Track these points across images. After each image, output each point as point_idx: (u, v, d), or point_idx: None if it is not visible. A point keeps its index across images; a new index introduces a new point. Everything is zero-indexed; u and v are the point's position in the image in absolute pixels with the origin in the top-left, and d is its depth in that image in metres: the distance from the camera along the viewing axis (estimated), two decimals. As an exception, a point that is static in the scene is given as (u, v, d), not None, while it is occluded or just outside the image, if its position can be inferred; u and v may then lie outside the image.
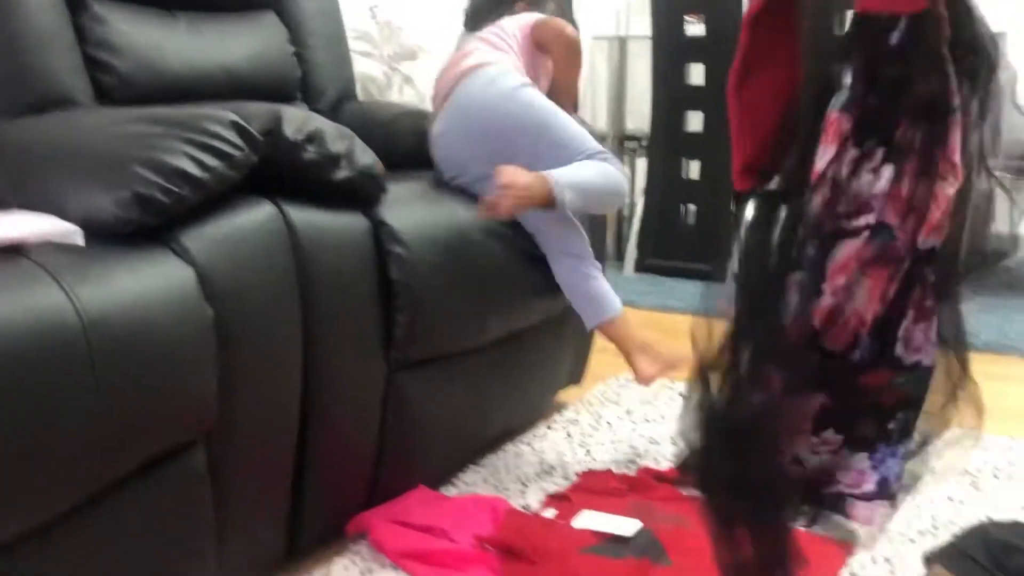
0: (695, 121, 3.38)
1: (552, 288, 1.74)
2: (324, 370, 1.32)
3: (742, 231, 0.87)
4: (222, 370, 1.13)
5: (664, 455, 1.78)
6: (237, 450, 1.20)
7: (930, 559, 1.03)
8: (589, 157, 1.69)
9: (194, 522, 1.16)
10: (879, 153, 0.75)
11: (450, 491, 1.63)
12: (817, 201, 0.77)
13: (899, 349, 0.80)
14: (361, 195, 1.39)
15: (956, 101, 0.77)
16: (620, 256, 3.52)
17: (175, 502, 1.12)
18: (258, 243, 1.21)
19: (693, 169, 3.44)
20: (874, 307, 0.77)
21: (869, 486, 0.88)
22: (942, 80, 0.76)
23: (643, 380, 1.74)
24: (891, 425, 0.84)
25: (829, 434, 0.86)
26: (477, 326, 1.57)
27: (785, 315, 0.78)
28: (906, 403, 0.84)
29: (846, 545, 1.18)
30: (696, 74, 3.35)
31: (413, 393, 1.50)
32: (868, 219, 0.75)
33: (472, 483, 1.66)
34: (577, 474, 1.70)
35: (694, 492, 1.61)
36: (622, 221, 3.61)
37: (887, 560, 1.38)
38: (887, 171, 0.74)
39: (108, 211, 1.10)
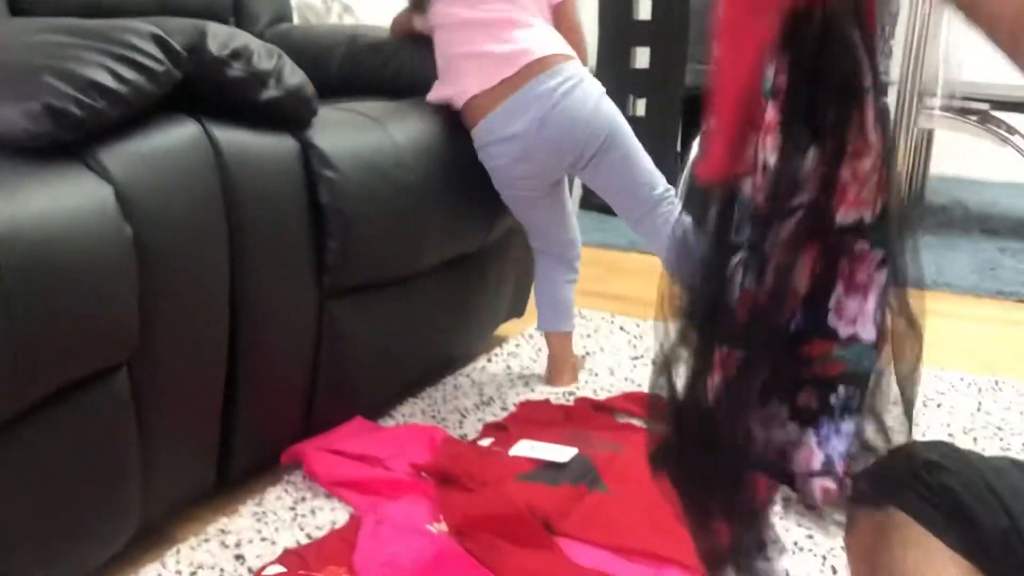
0: (642, 57, 3.35)
1: (490, 216, 1.72)
2: (253, 295, 1.29)
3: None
4: (144, 292, 1.09)
5: (602, 386, 1.79)
6: (162, 376, 1.17)
7: (856, 479, 1.04)
8: (658, 203, 1.70)
9: (118, 449, 1.12)
10: (804, 137, 0.77)
11: (387, 422, 1.62)
12: (751, 186, 0.78)
13: (832, 320, 0.81)
14: (290, 116, 1.35)
15: (867, 82, 0.77)
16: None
17: (97, 428, 1.09)
18: (181, 162, 1.16)
19: (639, 107, 3.42)
20: (806, 281, 0.80)
21: (815, 465, 0.87)
22: (853, 63, 0.76)
23: (554, 384, 1.80)
24: (832, 399, 0.86)
25: (774, 406, 0.85)
26: (412, 252, 1.54)
27: (731, 296, 0.80)
28: (847, 378, 0.85)
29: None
30: (644, 9, 3.31)
31: (347, 321, 1.47)
32: (800, 199, 0.77)
33: (410, 414, 1.65)
34: (515, 405, 1.70)
35: (635, 421, 1.62)
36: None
37: (817, 484, 1.41)
38: (812, 153, 0.77)
39: (17, 124, 1.05)
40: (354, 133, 1.46)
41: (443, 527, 1.27)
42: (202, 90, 1.22)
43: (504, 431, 1.57)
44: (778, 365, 0.83)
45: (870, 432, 0.93)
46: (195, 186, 1.18)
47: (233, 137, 1.25)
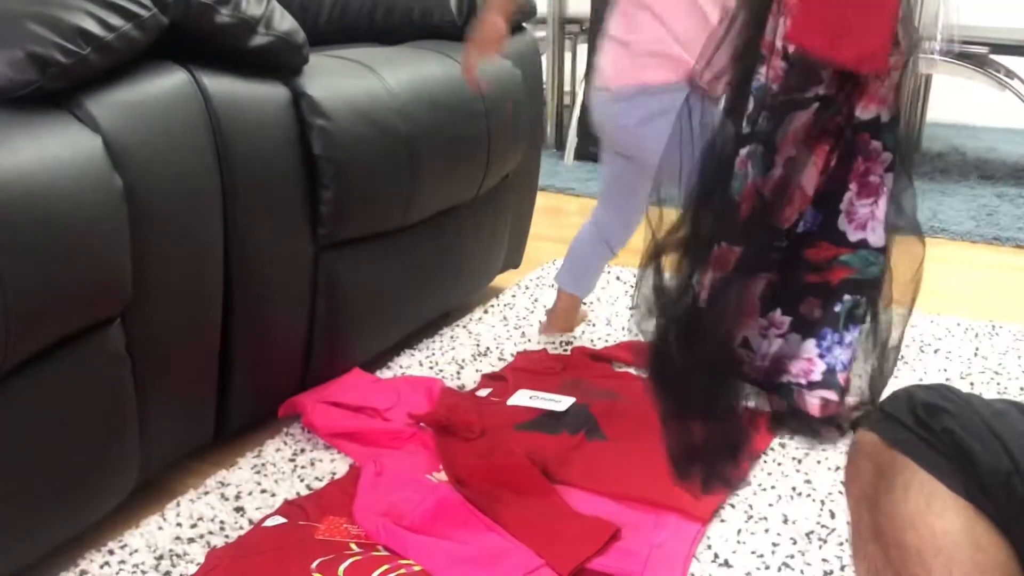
0: None
1: (485, 164, 1.70)
2: (247, 247, 1.27)
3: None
4: (136, 244, 1.08)
5: (599, 336, 1.78)
6: (157, 329, 1.16)
7: (856, 424, 1.03)
8: None
9: (114, 403, 1.12)
10: None
11: (385, 374, 1.61)
12: (768, 73, 0.74)
13: (842, 223, 0.79)
14: (280, 63, 1.32)
15: None
16: (560, 145, 3.47)
17: (92, 382, 1.08)
18: (170, 111, 1.14)
19: None
20: (816, 180, 0.77)
21: (816, 375, 0.88)
22: None
23: (542, 332, 1.80)
24: (837, 307, 0.83)
25: (776, 315, 0.84)
26: (408, 202, 1.52)
27: (736, 191, 0.76)
28: (853, 286, 0.83)
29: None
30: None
31: (343, 273, 1.46)
32: (818, 90, 0.73)
33: (407, 366, 1.65)
34: (513, 355, 1.69)
35: (632, 370, 1.62)
36: (563, 109, 3.55)
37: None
38: None
39: (1, 73, 1.02)
40: (346, 80, 1.44)
41: (442, 477, 1.27)
42: (190, 37, 1.19)
43: (502, 381, 1.57)
44: (781, 268, 0.80)
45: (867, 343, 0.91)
46: (185, 136, 1.16)
47: (222, 85, 1.22)
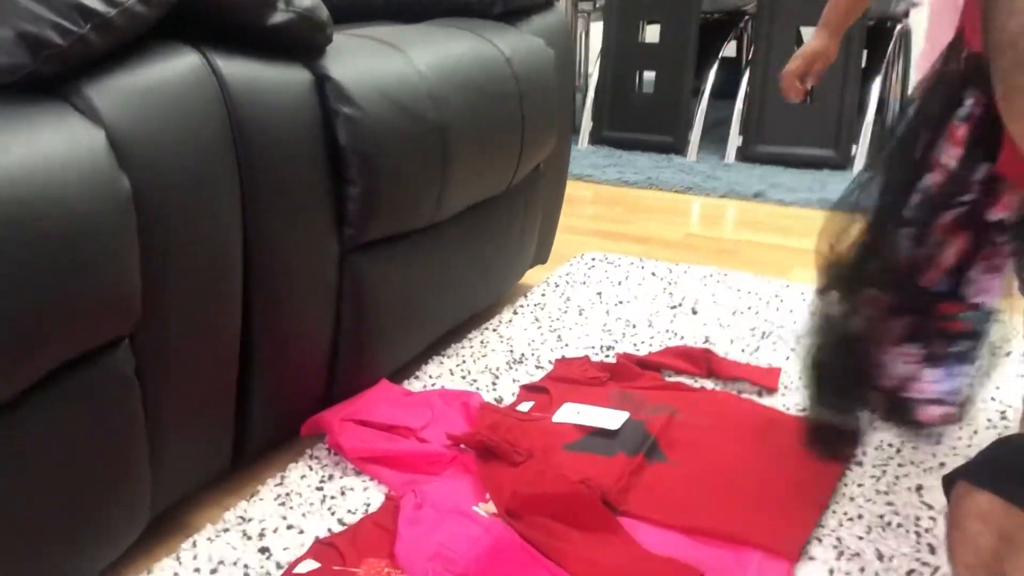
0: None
1: (519, 152, 1.55)
2: (268, 253, 1.13)
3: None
4: (146, 253, 0.93)
5: (642, 340, 1.64)
6: (169, 348, 1.01)
7: (951, 480, 0.95)
8: None
9: (123, 433, 0.97)
10: (982, 155, 0.94)
11: (414, 385, 1.47)
12: (933, 180, 0.97)
13: (966, 289, 0.99)
14: (302, 43, 1.17)
15: None
16: (574, 128, 3.32)
17: (99, 411, 0.94)
18: (182, 99, 0.99)
19: (651, 33, 3.22)
20: (953, 257, 0.98)
21: (935, 393, 1.04)
22: None
23: None
24: (955, 348, 1.03)
25: (911, 348, 1.02)
26: (439, 197, 1.38)
27: (897, 254, 0.99)
28: (968, 335, 1.02)
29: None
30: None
31: (370, 277, 1.32)
32: (968, 197, 0.96)
33: (437, 375, 1.51)
34: (551, 362, 1.55)
35: (685, 380, 1.48)
36: (575, 91, 3.40)
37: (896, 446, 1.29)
38: (983, 167, 0.95)
39: (-14, 56, 0.87)
40: (372, 61, 1.29)
41: (491, 508, 1.13)
42: (201, 14, 1.04)
43: (544, 393, 1.43)
44: (920, 315, 1.02)
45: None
46: (199, 127, 1.01)
47: (239, 69, 1.07)
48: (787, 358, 1.57)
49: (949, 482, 1.01)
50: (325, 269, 1.25)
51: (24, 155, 0.82)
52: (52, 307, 0.83)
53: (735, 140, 3.03)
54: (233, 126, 1.05)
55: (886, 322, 1.03)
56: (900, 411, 1.08)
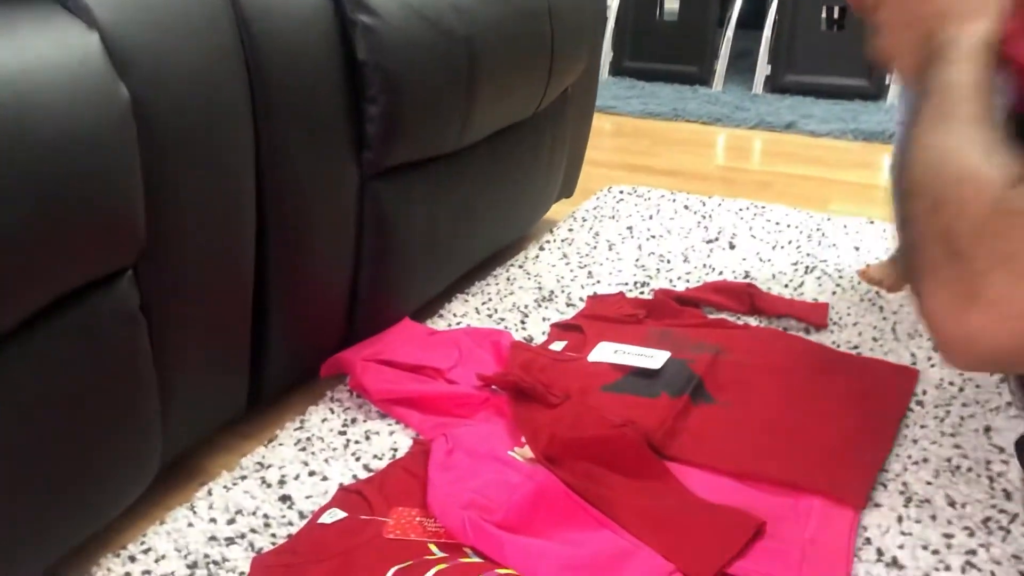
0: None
1: (548, 73, 1.44)
2: (283, 177, 1.03)
3: None
4: (149, 174, 0.83)
5: (679, 276, 1.55)
6: (177, 280, 0.92)
7: None
8: None
9: (129, 374, 0.89)
10: None
11: (438, 325, 1.38)
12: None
13: None
14: (318, -56, 1.06)
15: None
16: (592, 60, 3.19)
17: (102, 350, 0.85)
18: (186, 1, 0.89)
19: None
20: None
21: None
22: None
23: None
24: None
25: None
26: (465, 118, 1.27)
27: None
28: None
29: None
30: None
31: (392, 206, 1.22)
32: None
33: (462, 314, 1.42)
34: (582, 299, 1.46)
35: (727, 316, 1.39)
36: (606, 10, 3.25)
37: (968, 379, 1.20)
38: None
39: (-39, -54, 0.76)
40: (393, -30, 1.17)
41: (526, 452, 1.05)
42: (205, -93, 0.92)
43: (577, 332, 1.34)
44: None
45: None
46: (205, 32, 0.90)
47: (248, -29, 0.96)
48: (833, 293, 1.48)
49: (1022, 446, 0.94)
50: (344, 197, 1.15)
51: (8, 60, 0.72)
52: (43, 232, 0.73)
53: (763, 70, 2.89)
54: (242, 32, 0.94)
55: None
56: None
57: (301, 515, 0.97)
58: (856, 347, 1.31)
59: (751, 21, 3.01)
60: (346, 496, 0.98)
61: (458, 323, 1.38)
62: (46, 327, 0.78)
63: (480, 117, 1.32)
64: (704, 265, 1.59)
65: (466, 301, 1.45)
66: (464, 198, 1.40)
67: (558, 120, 1.61)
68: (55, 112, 0.73)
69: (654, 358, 1.22)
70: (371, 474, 1.03)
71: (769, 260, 1.61)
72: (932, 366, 1.27)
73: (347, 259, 1.19)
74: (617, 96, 2.82)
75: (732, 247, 1.67)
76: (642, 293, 1.48)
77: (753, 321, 1.39)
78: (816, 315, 1.38)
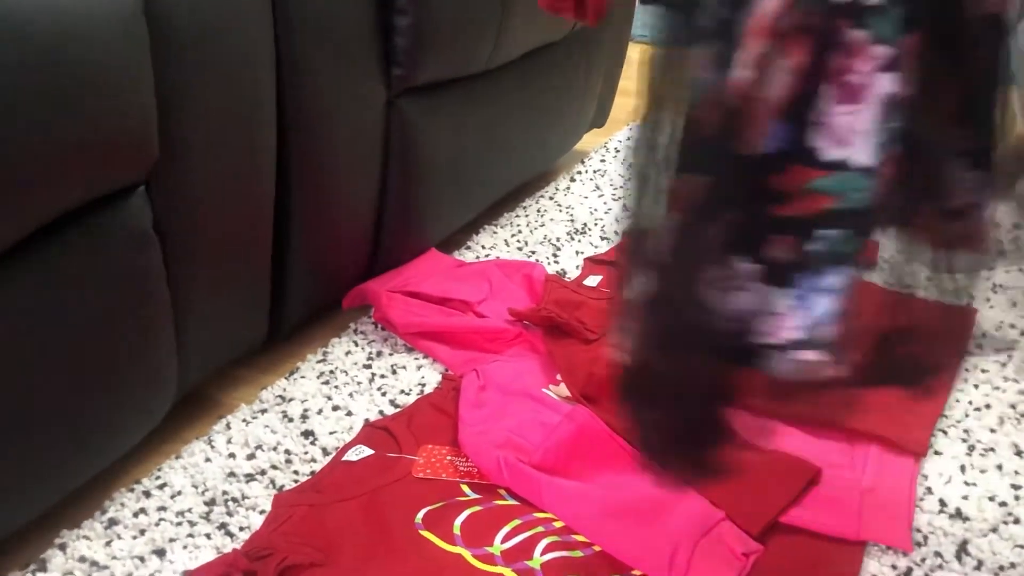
0: None
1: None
2: (305, 90, 0.95)
3: None
4: (162, 82, 0.76)
5: (718, 209, 1.47)
6: (193, 199, 0.86)
7: None
8: None
9: (141, 297, 0.83)
10: None
11: (466, 257, 1.32)
12: None
13: (813, 138, 0.56)
14: None
15: None
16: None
17: (112, 272, 0.78)
18: None
19: None
20: (788, 82, 0.55)
21: (792, 332, 0.60)
22: None
23: None
24: (810, 246, 0.59)
25: (740, 263, 0.60)
26: (497, 34, 1.19)
27: (693, 102, 0.58)
28: (831, 217, 0.59)
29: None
30: None
31: (420, 128, 1.14)
32: None
33: (491, 245, 1.35)
34: (618, 233, 1.39)
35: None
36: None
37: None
38: None
39: None
40: None
41: (562, 391, 0.99)
42: None
43: (613, 267, 1.27)
44: (746, 207, 0.58)
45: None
46: (222, -74, 0.82)
47: None
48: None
49: None
50: (370, 115, 1.07)
51: (4, -57, 0.64)
52: (46, 141, 0.67)
53: None
54: (263, -71, 0.86)
55: (701, 226, 0.59)
56: (754, 360, 0.64)
57: (325, 452, 0.91)
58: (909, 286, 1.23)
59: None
60: (372, 432, 0.93)
61: (487, 255, 1.32)
62: (52, 245, 0.72)
63: (513, 32, 1.23)
64: (745, 200, 1.51)
65: (495, 233, 1.38)
66: (493, 123, 1.32)
67: (591, 43, 1.52)
68: (58, 13, 0.66)
69: (696, 294, 1.15)
70: (398, 410, 0.97)
71: (813, 196, 1.53)
72: (991, 308, 1.20)
73: (372, 183, 1.12)
74: (648, 24, 2.71)
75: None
76: (680, 227, 1.41)
77: (798, 258, 1.31)
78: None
